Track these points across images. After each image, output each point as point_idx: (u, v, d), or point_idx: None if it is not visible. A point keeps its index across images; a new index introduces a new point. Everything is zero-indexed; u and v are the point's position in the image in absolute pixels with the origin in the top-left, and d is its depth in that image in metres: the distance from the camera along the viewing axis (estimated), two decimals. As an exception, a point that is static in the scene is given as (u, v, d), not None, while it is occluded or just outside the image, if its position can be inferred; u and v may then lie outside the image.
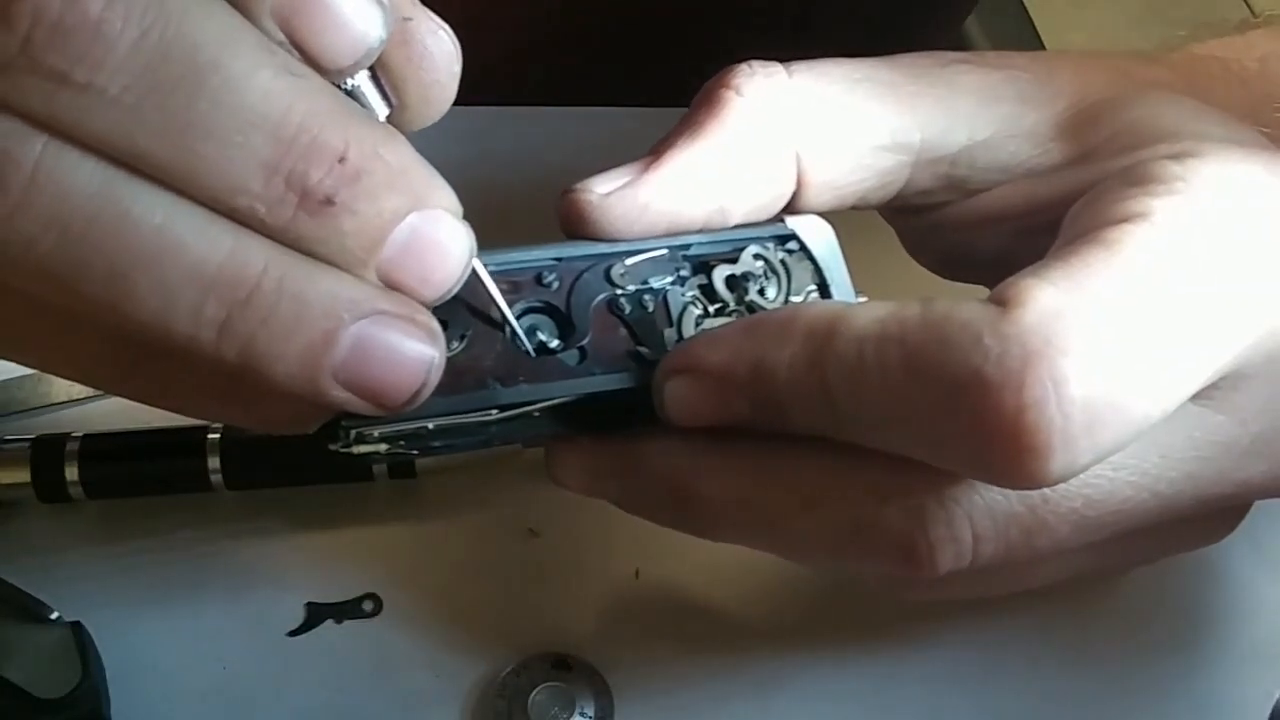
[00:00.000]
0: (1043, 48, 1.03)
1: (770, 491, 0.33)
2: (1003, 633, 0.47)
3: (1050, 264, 0.31)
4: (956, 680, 0.46)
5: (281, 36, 0.26)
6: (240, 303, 0.26)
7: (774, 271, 0.36)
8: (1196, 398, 0.32)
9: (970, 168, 0.38)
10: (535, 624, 0.46)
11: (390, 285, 0.28)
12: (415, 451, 0.33)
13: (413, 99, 0.29)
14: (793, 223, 0.37)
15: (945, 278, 0.42)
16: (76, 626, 0.44)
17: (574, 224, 0.35)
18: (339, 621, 0.47)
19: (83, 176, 0.25)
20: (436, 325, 0.29)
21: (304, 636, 0.46)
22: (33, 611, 0.44)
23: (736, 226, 0.36)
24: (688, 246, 0.36)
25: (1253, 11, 0.63)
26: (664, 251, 0.35)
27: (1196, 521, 0.37)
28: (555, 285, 0.34)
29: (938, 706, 0.45)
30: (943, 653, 0.46)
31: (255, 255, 0.26)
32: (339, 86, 0.27)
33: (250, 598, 0.47)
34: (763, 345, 0.32)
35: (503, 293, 0.33)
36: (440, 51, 0.29)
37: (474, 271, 0.31)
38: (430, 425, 0.32)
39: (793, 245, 0.36)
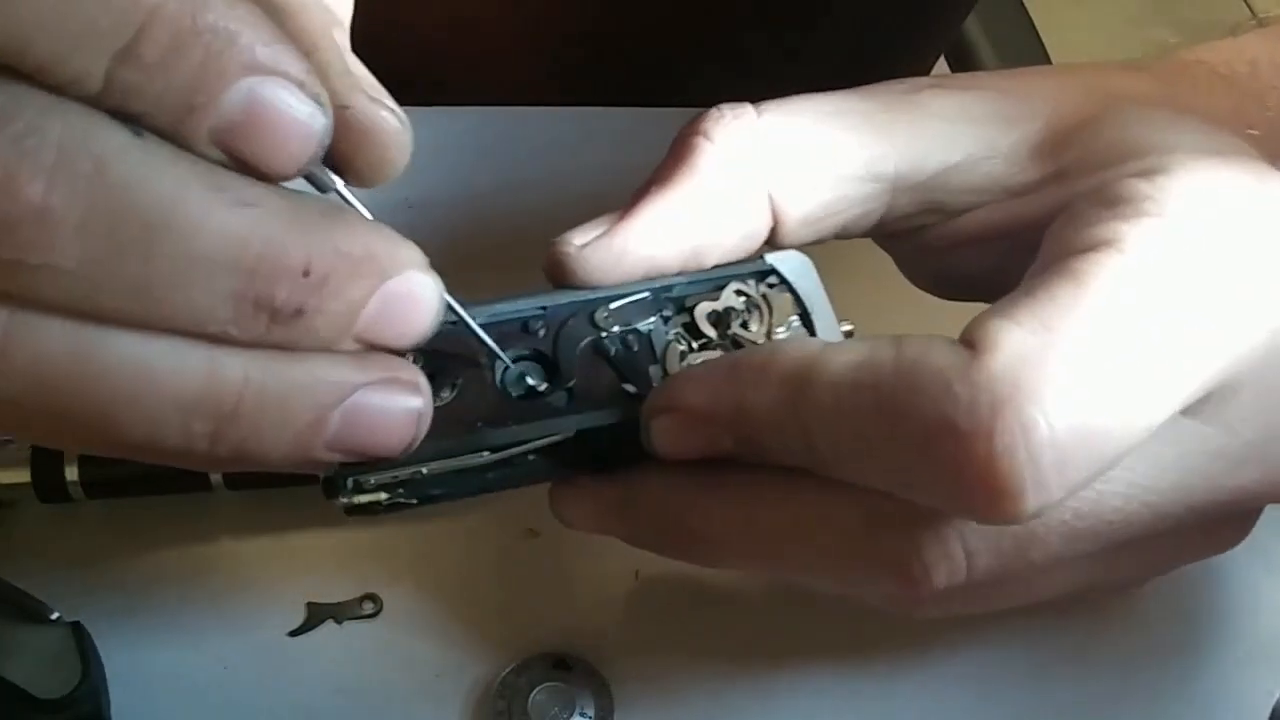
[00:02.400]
0: (1042, 47, 1.03)
1: (763, 522, 0.34)
2: (1003, 633, 0.47)
3: (1019, 300, 0.31)
4: (957, 680, 0.46)
5: (221, 155, 0.25)
6: (226, 417, 0.26)
7: (756, 306, 0.37)
8: (1184, 410, 0.32)
9: (946, 190, 0.38)
10: (535, 624, 0.46)
11: (369, 346, 0.28)
12: (415, 500, 0.33)
13: (361, 173, 0.29)
14: (772, 259, 0.37)
15: (943, 297, 0.42)
16: (76, 626, 0.44)
17: (556, 275, 0.36)
18: (339, 621, 0.47)
19: (52, 338, 0.25)
20: (419, 374, 0.29)
21: (304, 636, 0.46)
22: (33, 611, 0.44)
23: (716, 267, 0.37)
24: (670, 288, 0.36)
25: (1253, 11, 0.63)
26: (647, 295, 0.36)
27: (1200, 530, 0.37)
28: (542, 333, 0.35)
29: (938, 706, 0.45)
30: (943, 653, 0.46)
31: (233, 371, 0.26)
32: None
33: (250, 598, 0.47)
34: (742, 388, 0.33)
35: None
36: (383, 130, 0.29)
37: (458, 316, 0.32)
38: (424, 470, 0.32)
39: (773, 280, 0.37)
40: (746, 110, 0.37)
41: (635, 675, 0.45)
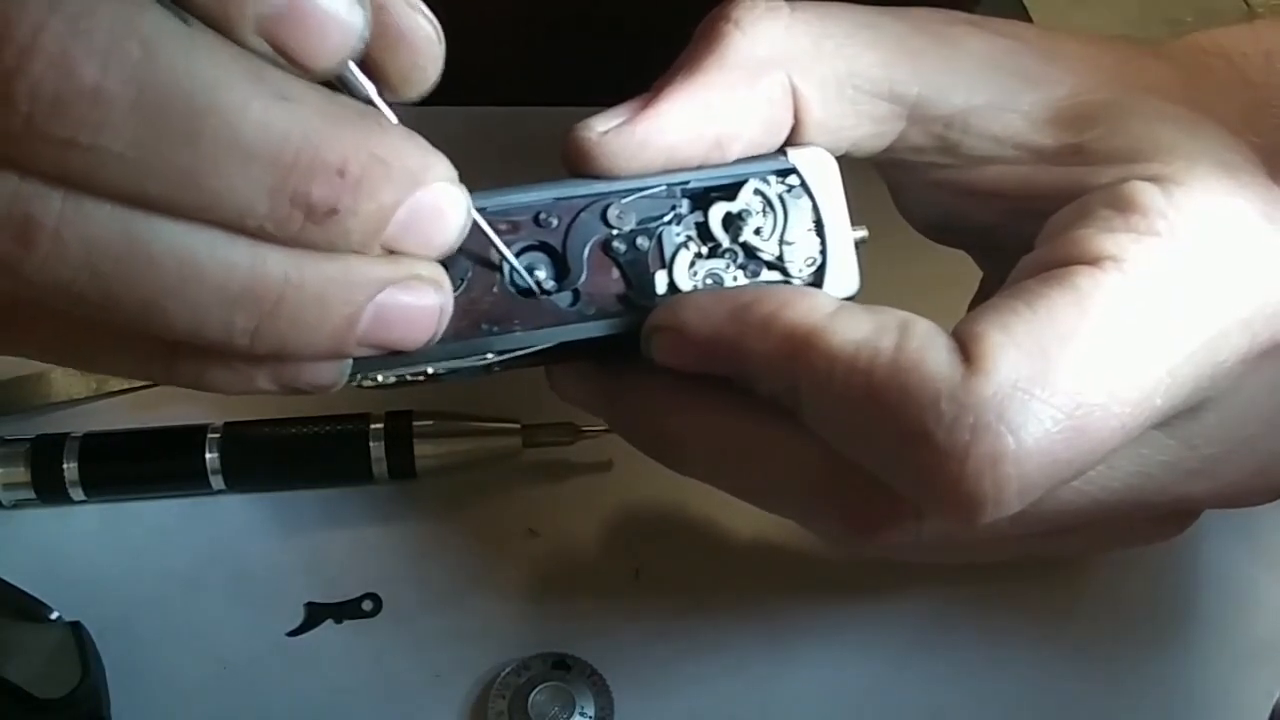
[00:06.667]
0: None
1: (733, 443, 0.35)
2: (1002, 633, 0.47)
3: (1020, 312, 0.31)
4: (958, 680, 0.46)
5: (266, 47, 0.26)
6: (268, 313, 0.27)
7: (771, 208, 0.36)
8: None
9: (964, 132, 0.37)
10: (535, 624, 0.46)
11: (395, 253, 0.29)
12: (421, 379, 0.34)
13: (393, 81, 0.30)
14: (794, 155, 0.36)
15: (930, 239, 0.42)
16: (76, 626, 0.44)
17: (576, 162, 0.36)
18: (339, 621, 0.47)
19: (102, 222, 0.26)
20: (441, 272, 0.30)
21: (304, 636, 0.46)
22: (33, 611, 0.44)
23: (736, 161, 0.36)
24: (686, 182, 0.36)
25: (1250, 7, 0.63)
26: (661, 188, 0.36)
27: (1143, 522, 0.39)
28: (554, 224, 0.35)
29: (939, 707, 0.45)
30: (943, 653, 0.46)
31: (273, 267, 0.27)
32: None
33: (250, 598, 0.47)
34: (744, 333, 0.33)
35: (502, 232, 0.34)
36: (418, 36, 0.29)
37: (475, 222, 0.32)
38: (430, 370, 0.34)
39: (793, 180, 0.36)
40: (780, 5, 0.37)
41: (635, 675, 0.45)
